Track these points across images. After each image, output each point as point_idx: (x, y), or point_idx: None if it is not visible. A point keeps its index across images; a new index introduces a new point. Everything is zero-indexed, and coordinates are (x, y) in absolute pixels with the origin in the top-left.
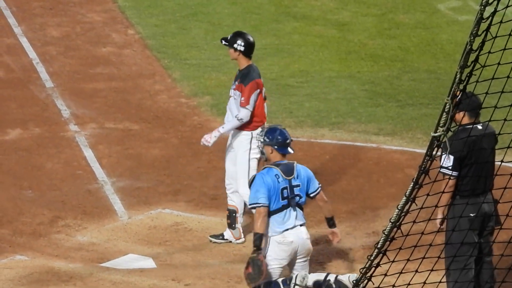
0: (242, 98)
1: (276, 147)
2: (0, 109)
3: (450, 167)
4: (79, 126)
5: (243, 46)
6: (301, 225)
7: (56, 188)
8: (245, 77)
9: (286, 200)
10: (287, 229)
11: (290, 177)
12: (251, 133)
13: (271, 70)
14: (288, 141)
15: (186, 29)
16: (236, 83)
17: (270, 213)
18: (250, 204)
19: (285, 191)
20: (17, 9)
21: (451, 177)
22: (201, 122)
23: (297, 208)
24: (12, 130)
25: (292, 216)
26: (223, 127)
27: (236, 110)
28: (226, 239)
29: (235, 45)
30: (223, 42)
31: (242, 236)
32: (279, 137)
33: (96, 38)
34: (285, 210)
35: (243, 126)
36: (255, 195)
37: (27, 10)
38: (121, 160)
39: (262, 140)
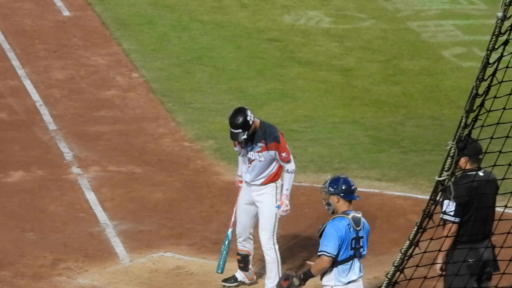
0: (284, 154)
1: (342, 195)
2: (3, 151)
3: (452, 213)
4: (82, 169)
5: (250, 113)
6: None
7: (58, 230)
8: (270, 134)
9: (353, 250)
10: (350, 281)
11: (358, 228)
12: (275, 183)
13: (275, 115)
14: (353, 187)
15: (190, 73)
16: (261, 144)
17: (337, 263)
18: (319, 251)
19: (353, 241)
20: (21, 51)
21: (454, 223)
22: (205, 166)
23: (360, 260)
24: (15, 172)
25: (357, 267)
26: (287, 189)
27: (265, 169)
28: (240, 281)
29: (250, 122)
30: (243, 136)
31: (255, 276)
32: (343, 185)
33: (101, 81)
34: (351, 261)
35: (266, 182)
36: (325, 244)
37: (31, 52)
38: (123, 203)
39: (326, 190)
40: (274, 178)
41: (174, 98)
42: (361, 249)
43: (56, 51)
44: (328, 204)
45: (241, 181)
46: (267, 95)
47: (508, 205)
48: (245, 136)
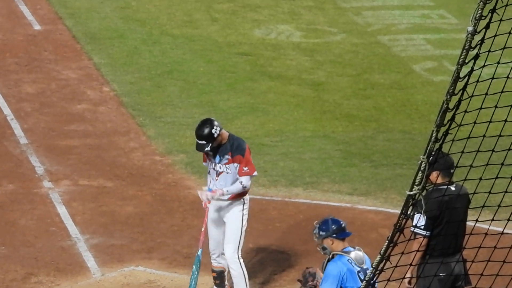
0: (246, 168)
1: (334, 235)
2: None
3: (423, 227)
4: (53, 183)
5: (218, 126)
6: None
7: (30, 244)
8: (237, 148)
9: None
10: None
11: (362, 265)
12: (243, 199)
13: (246, 129)
14: (343, 225)
15: (161, 86)
16: (228, 157)
17: None
18: None
19: (360, 273)
20: None
21: (424, 237)
22: (176, 180)
23: None
24: None
25: None
26: (227, 190)
27: (230, 184)
28: None
29: (215, 135)
30: (208, 148)
31: None
32: (333, 225)
33: (71, 95)
34: None
35: (233, 197)
36: (323, 284)
37: (2, 66)
38: (95, 217)
39: (318, 235)
40: (240, 195)
41: (145, 112)
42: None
43: (27, 65)
44: (324, 248)
45: (209, 201)
46: (238, 109)
47: (480, 219)
48: (208, 148)
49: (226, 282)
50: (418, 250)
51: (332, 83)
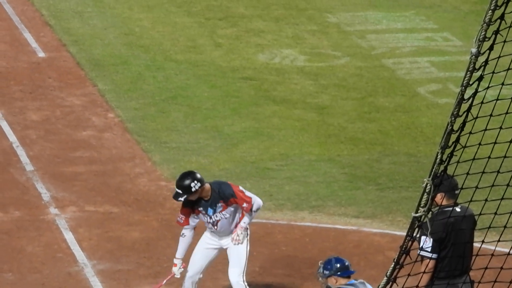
0: (245, 204)
1: (338, 273)
2: None
3: (429, 249)
4: (59, 209)
5: (198, 181)
6: None
7: (37, 271)
8: (224, 193)
9: None
10: None
11: None
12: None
13: (251, 153)
14: (347, 263)
15: (165, 112)
16: (221, 204)
17: None
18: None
19: None
20: None
21: (431, 259)
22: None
23: None
24: None
25: None
26: (244, 222)
27: (232, 222)
28: None
29: (193, 189)
30: (181, 198)
31: None
32: (337, 264)
33: (76, 121)
34: None
35: (237, 224)
36: None
37: (6, 94)
38: (101, 243)
39: (322, 275)
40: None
41: (149, 138)
42: None
43: (31, 92)
44: (328, 287)
45: (184, 265)
46: (243, 133)
47: (486, 240)
48: (182, 199)
49: None
50: (425, 272)
51: (336, 106)
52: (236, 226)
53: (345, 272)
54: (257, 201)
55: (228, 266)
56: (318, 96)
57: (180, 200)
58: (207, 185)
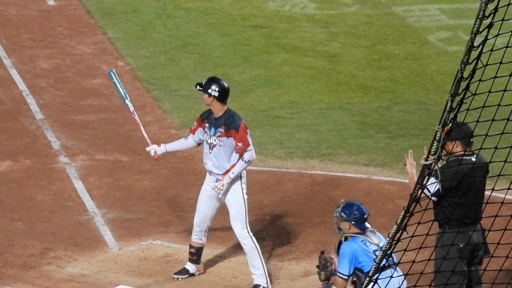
0: (240, 144)
1: (353, 222)
2: None
3: (432, 189)
4: (69, 158)
5: (218, 91)
6: None
7: (47, 219)
8: (230, 122)
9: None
10: None
11: (376, 242)
12: (240, 174)
13: (261, 102)
14: (365, 216)
15: (176, 60)
16: (221, 129)
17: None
18: (335, 271)
19: (376, 252)
20: (7, 41)
21: (429, 199)
22: (191, 154)
23: (397, 268)
24: (2, 162)
25: (396, 278)
26: (232, 172)
27: (226, 157)
28: (191, 273)
29: (209, 91)
30: (198, 87)
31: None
32: (356, 212)
33: (86, 70)
34: (386, 271)
35: (228, 171)
36: (339, 265)
37: (16, 42)
38: (111, 191)
39: (338, 215)
40: None
41: (160, 86)
42: (389, 258)
43: (41, 41)
44: (339, 229)
45: (157, 156)
46: (253, 82)
47: (496, 188)
48: (197, 88)
49: (201, 260)
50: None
51: (347, 54)
52: (227, 171)
53: (360, 225)
54: (251, 152)
55: (229, 219)
56: (328, 44)
57: (197, 89)
58: (224, 105)
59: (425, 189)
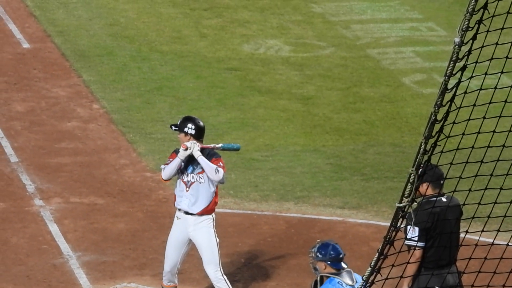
0: (220, 163)
1: (329, 262)
2: None
3: (415, 238)
4: (44, 201)
5: (194, 129)
6: None
7: (21, 262)
8: (212, 154)
9: None
10: None
11: (351, 284)
12: (212, 215)
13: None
14: (341, 255)
15: (151, 103)
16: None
17: None
18: None
19: None
20: None
21: (416, 248)
22: (166, 197)
23: None
24: None
25: None
26: (201, 156)
27: (205, 194)
28: None
29: (186, 129)
30: (173, 128)
31: None
32: (332, 252)
33: (61, 112)
34: None
35: (204, 211)
36: None
37: None
38: (86, 234)
39: (314, 256)
40: (210, 209)
41: (135, 129)
42: None
43: (16, 83)
44: (315, 269)
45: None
46: (228, 124)
47: (470, 231)
48: (173, 129)
49: None
50: (409, 262)
51: (321, 97)
52: (205, 208)
53: (336, 264)
54: (223, 176)
55: (203, 262)
56: (303, 87)
57: (172, 129)
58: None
59: (408, 241)
